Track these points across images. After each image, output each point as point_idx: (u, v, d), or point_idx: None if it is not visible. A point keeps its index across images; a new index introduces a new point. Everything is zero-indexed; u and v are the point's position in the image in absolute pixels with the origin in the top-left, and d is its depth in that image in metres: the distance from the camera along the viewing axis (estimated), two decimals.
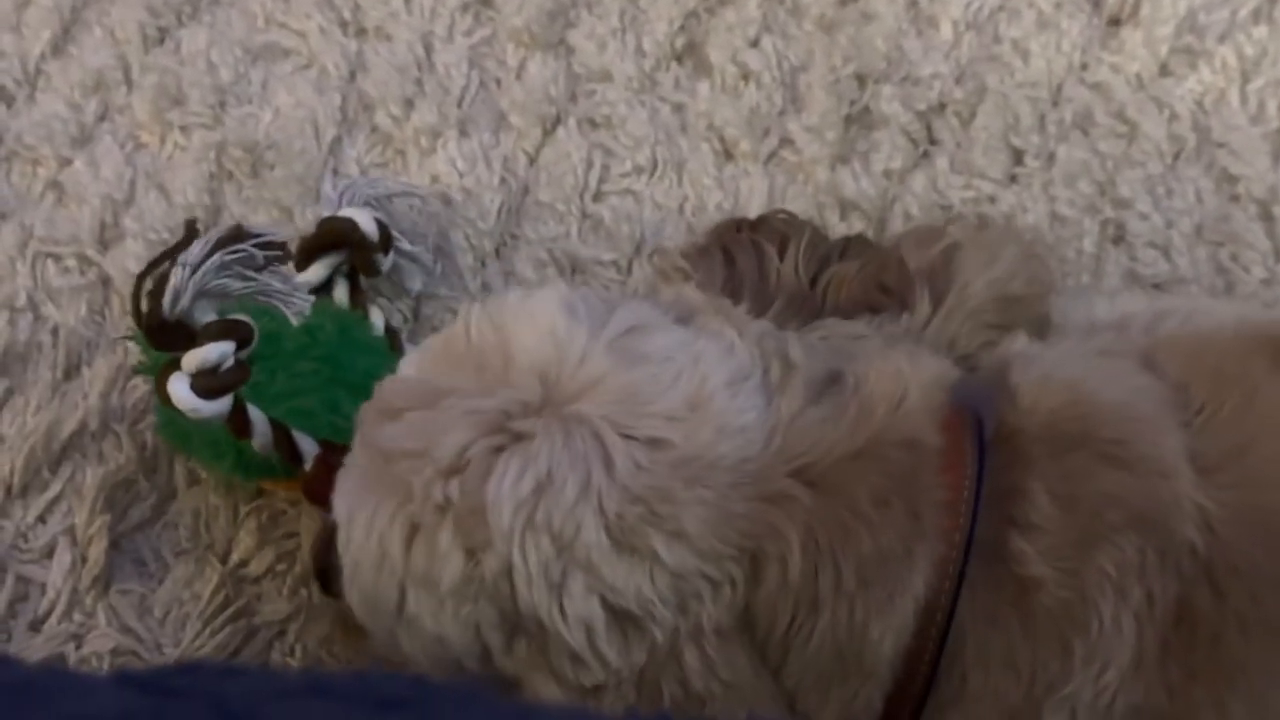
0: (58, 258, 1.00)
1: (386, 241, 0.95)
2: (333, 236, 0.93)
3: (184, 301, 0.76)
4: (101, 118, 1.06)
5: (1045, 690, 0.67)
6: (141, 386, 0.94)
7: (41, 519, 0.91)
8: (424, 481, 0.64)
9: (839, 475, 0.65)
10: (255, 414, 0.82)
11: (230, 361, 0.78)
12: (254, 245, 0.78)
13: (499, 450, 0.63)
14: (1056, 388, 0.71)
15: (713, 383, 0.66)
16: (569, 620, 0.63)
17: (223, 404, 0.79)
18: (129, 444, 0.93)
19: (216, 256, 0.77)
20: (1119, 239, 1.00)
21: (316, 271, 0.93)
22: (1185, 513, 0.66)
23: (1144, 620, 0.66)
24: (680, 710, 0.62)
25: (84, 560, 0.89)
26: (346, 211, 0.94)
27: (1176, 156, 1.03)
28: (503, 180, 1.04)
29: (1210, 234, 1.00)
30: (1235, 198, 1.01)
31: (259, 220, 1.01)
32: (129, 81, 1.08)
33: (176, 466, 0.93)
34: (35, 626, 0.88)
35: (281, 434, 0.83)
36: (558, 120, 1.07)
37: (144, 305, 0.78)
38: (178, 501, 0.92)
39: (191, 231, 0.80)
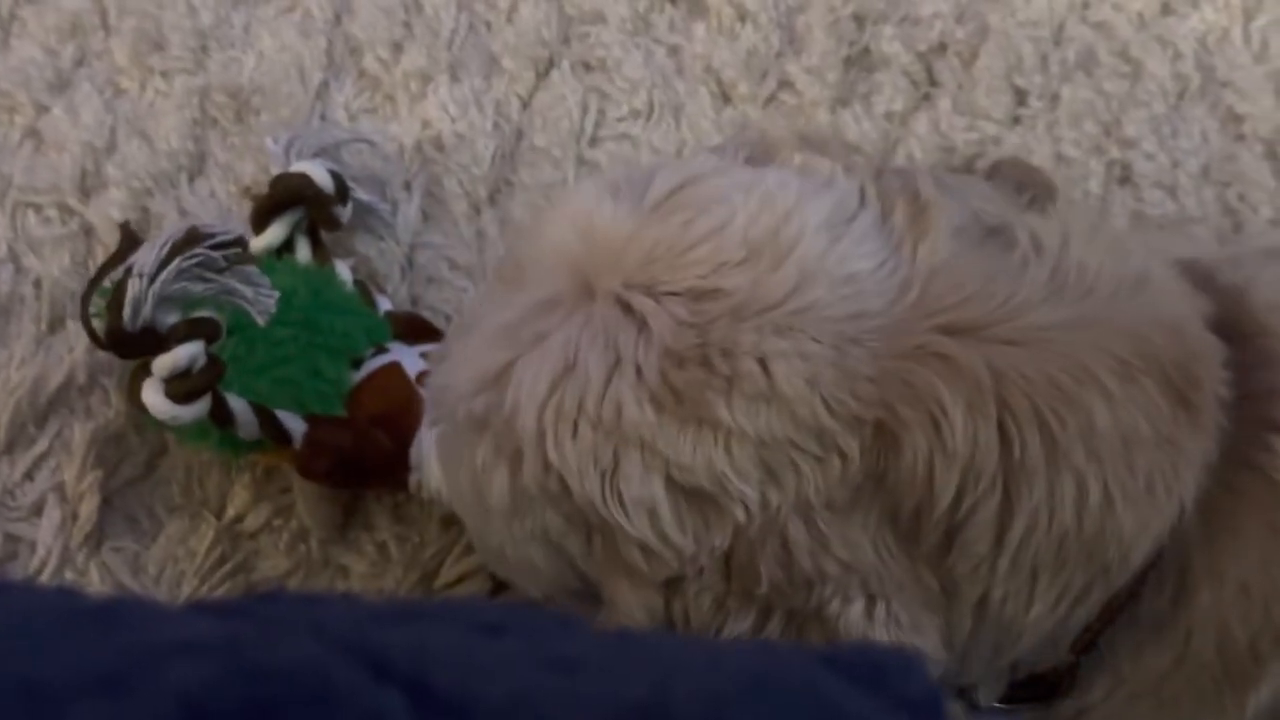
0: (38, 207, 0.97)
1: (343, 192, 0.92)
2: (288, 194, 0.90)
3: (145, 311, 0.73)
4: (79, 63, 1.03)
5: (1273, 644, 0.59)
6: None
7: (29, 476, 0.88)
8: (455, 409, 0.60)
9: (1047, 337, 0.55)
10: (236, 402, 0.80)
11: (202, 361, 0.76)
12: (210, 246, 0.74)
13: (518, 357, 0.58)
14: None
15: (794, 224, 0.56)
16: (627, 506, 0.56)
17: (200, 406, 0.77)
18: (117, 398, 0.90)
19: (174, 263, 0.73)
20: (1125, 179, 0.99)
21: (275, 232, 0.91)
22: None
23: None
24: (782, 595, 0.56)
25: (75, 517, 0.87)
26: (298, 166, 0.91)
27: (1181, 96, 1.01)
28: (496, 125, 1.01)
29: (1217, 174, 0.98)
30: (1241, 137, 1.00)
31: (246, 170, 0.99)
32: (106, 26, 1.04)
33: None
34: None
35: (265, 417, 0.81)
36: (551, 63, 1.04)
37: (103, 318, 0.75)
38: (169, 457, 0.90)
39: (128, 237, 0.77)
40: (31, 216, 0.97)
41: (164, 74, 1.02)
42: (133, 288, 0.73)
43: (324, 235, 0.93)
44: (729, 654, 0.39)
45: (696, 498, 0.56)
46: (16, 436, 0.89)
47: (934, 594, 0.57)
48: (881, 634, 0.56)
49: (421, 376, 0.80)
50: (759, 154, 0.62)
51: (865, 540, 0.56)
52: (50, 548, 0.86)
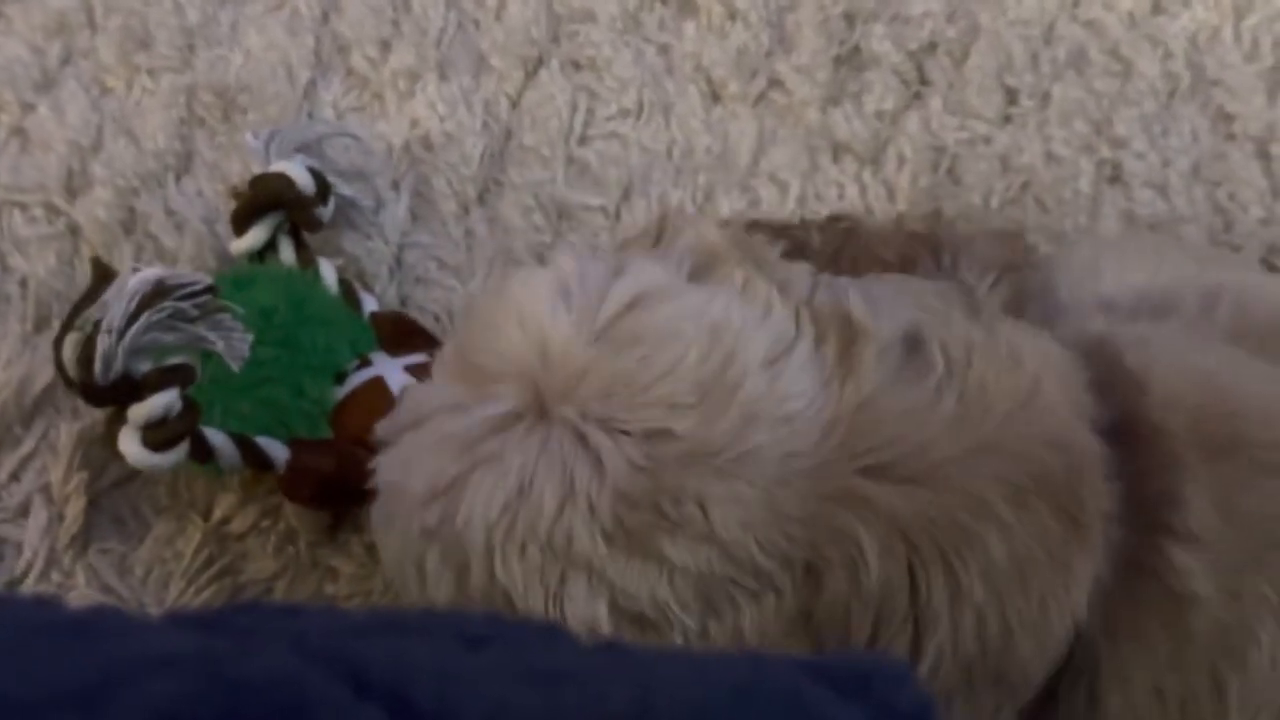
0: (24, 207, 0.96)
1: (325, 191, 0.91)
2: (268, 197, 0.90)
3: (117, 366, 0.72)
4: (65, 61, 1.02)
5: None
6: None
7: (15, 477, 0.88)
8: (408, 515, 0.61)
9: (950, 472, 0.57)
10: (215, 437, 0.79)
11: (178, 407, 0.75)
12: (179, 297, 0.73)
13: (472, 470, 0.59)
14: (1194, 380, 0.64)
15: (741, 361, 0.58)
16: (569, 623, 0.58)
17: (178, 452, 0.77)
18: None
19: (143, 317, 0.72)
20: (1115, 179, 0.98)
21: (256, 235, 0.90)
22: None
23: None
24: None
25: (61, 519, 0.86)
26: (278, 165, 0.90)
27: (1171, 95, 1.01)
28: (485, 124, 1.01)
29: (1207, 173, 0.98)
30: (1231, 136, 1.00)
31: (233, 169, 0.98)
32: (93, 24, 1.04)
33: None
34: (11, 587, 0.85)
35: (247, 447, 0.80)
36: (540, 62, 1.04)
37: (73, 370, 0.74)
38: None
39: (100, 273, 0.76)
40: (17, 216, 0.96)
41: (150, 72, 1.02)
42: (102, 344, 0.72)
43: (308, 235, 0.92)
44: (712, 665, 0.39)
45: (638, 622, 0.58)
46: (2, 438, 0.88)
47: None
48: None
49: (405, 392, 0.80)
50: (700, 266, 0.63)
51: None
52: (36, 549, 0.86)
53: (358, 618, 0.42)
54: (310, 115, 1.01)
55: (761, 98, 1.03)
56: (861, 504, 0.57)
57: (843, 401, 0.58)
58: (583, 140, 1.01)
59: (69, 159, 0.98)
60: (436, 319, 0.94)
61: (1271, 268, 0.94)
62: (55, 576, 0.85)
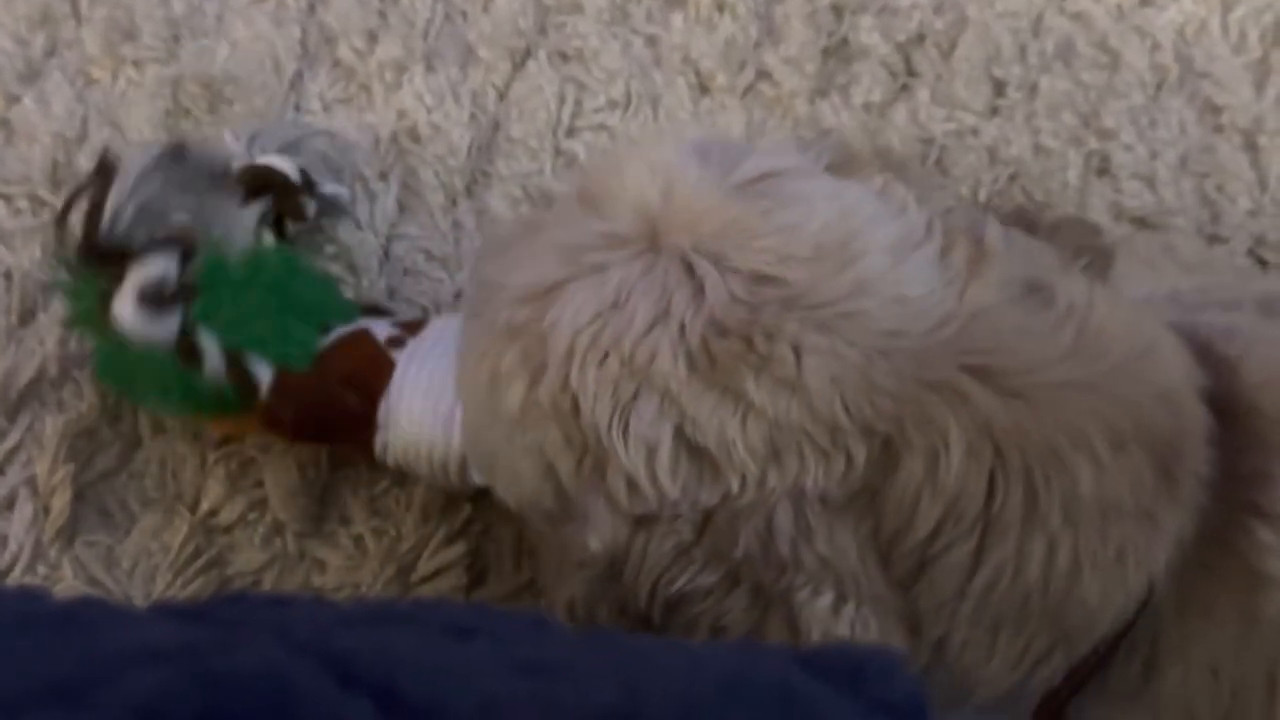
0: (9, 198, 0.96)
1: (309, 185, 0.91)
2: (255, 181, 0.89)
3: (125, 218, 0.73)
4: (50, 53, 1.02)
5: None
6: None
7: (0, 470, 0.87)
8: (498, 310, 0.60)
9: (1056, 397, 0.56)
10: (205, 340, 0.78)
11: (175, 274, 0.75)
12: (196, 167, 0.74)
13: (573, 279, 0.59)
14: None
15: (864, 239, 0.58)
16: (630, 438, 0.57)
17: (170, 324, 0.76)
18: (90, 391, 0.89)
19: (159, 174, 0.72)
20: (1103, 170, 0.98)
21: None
22: None
23: None
24: (753, 568, 0.57)
25: (47, 511, 0.86)
26: (263, 160, 0.89)
27: (1159, 87, 1.01)
28: (472, 116, 1.00)
29: (1195, 165, 0.98)
30: (1219, 128, 1.00)
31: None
32: (78, 15, 1.03)
33: (141, 414, 0.89)
34: None
35: (234, 361, 0.79)
36: (528, 53, 1.03)
37: (80, 230, 0.74)
38: (143, 450, 0.89)
39: (106, 163, 0.76)
40: (2, 208, 0.96)
41: (136, 64, 1.01)
42: (115, 194, 0.72)
43: (295, 231, 0.91)
44: (703, 655, 0.39)
45: (698, 454, 0.57)
46: None
47: (902, 618, 0.58)
48: (845, 631, 0.56)
49: (391, 340, 0.80)
50: (840, 165, 0.63)
51: (851, 545, 0.57)
52: (23, 542, 0.85)
53: (345, 609, 0.42)
54: (297, 107, 1.01)
55: (750, 89, 1.02)
56: (959, 399, 0.56)
57: (963, 303, 0.57)
58: (570, 132, 1.01)
59: (54, 151, 0.97)
60: (425, 310, 0.93)
61: (1259, 260, 0.94)
62: (41, 569, 0.85)
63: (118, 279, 0.74)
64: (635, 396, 0.57)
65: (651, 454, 0.57)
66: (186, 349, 0.77)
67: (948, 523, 0.56)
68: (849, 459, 0.56)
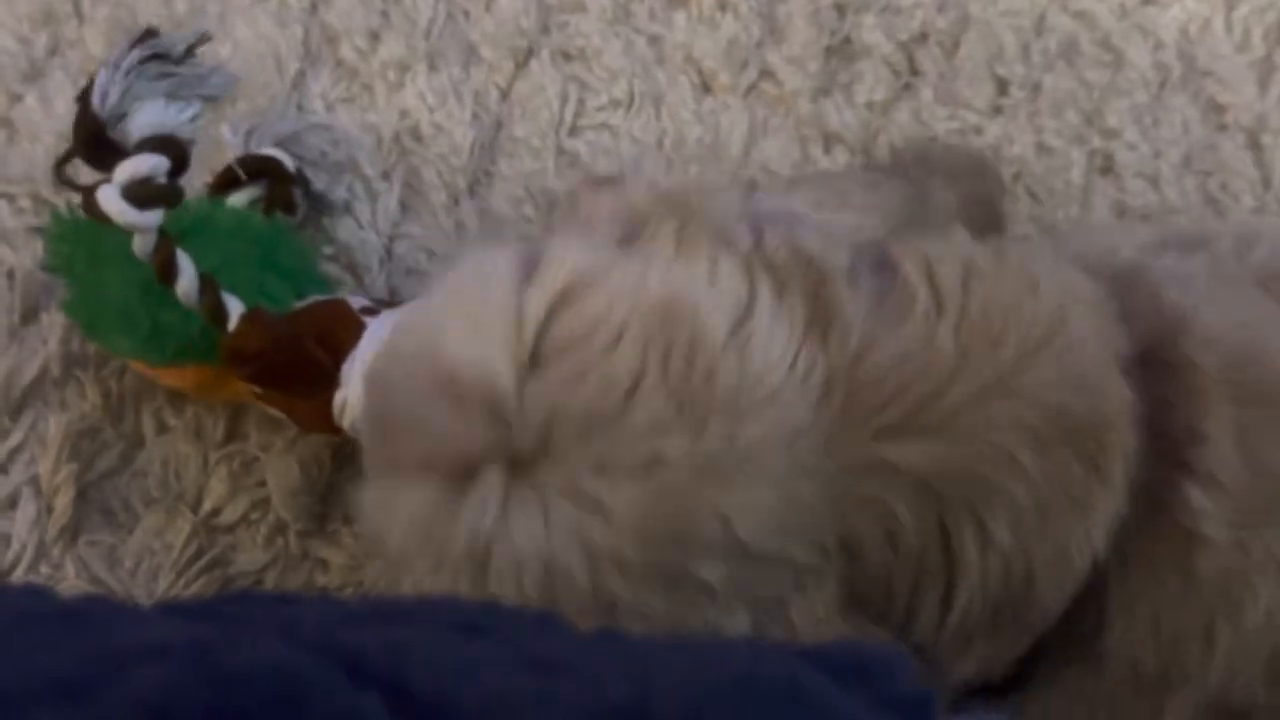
0: (11, 198, 0.96)
1: (304, 181, 0.92)
2: (252, 166, 0.89)
3: (113, 98, 0.74)
4: (53, 52, 1.02)
5: (1180, 679, 0.60)
6: None
7: (3, 469, 0.87)
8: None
9: (968, 420, 0.55)
10: (183, 259, 0.77)
11: (163, 176, 0.75)
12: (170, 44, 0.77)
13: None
14: (1236, 326, 0.61)
15: (703, 343, 0.53)
16: None
17: (152, 218, 0.75)
18: (93, 391, 0.89)
19: (135, 51, 0.75)
20: (1107, 169, 0.98)
21: (234, 202, 0.89)
22: None
23: None
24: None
25: (50, 511, 0.86)
26: (261, 152, 0.90)
27: (1163, 85, 1.01)
28: (475, 115, 1.00)
29: (1199, 163, 0.98)
30: (1223, 126, 1.00)
31: (222, 160, 0.97)
32: (80, 14, 1.03)
33: (144, 414, 0.89)
34: None
35: (209, 287, 0.78)
36: (530, 53, 1.03)
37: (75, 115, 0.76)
38: (146, 450, 0.89)
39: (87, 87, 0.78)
40: (4, 207, 0.96)
41: None
42: (100, 77, 0.74)
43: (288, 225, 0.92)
44: (710, 654, 0.39)
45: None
46: None
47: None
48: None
49: (365, 310, 0.79)
50: (628, 232, 0.59)
51: (839, 625, 0.57)
52: (25, 542, 0.85)
53: (352, 607, 0.41)
54: (300, 107, 1.01)
55: (752, 88, 1.02)
56: (885, 470, 0.54)
57: (830, 359, 0.54)
58: (573, 131, 1.01)
59: (57, 150, 0.97)
60: None
61: None
62: (44, 569, 0.85)
63: (97, 184, 0.76)
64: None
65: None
66: (164, 261, 0.77)
67: (920, 578, 0.57)
68: (819, 578, 0.55)
